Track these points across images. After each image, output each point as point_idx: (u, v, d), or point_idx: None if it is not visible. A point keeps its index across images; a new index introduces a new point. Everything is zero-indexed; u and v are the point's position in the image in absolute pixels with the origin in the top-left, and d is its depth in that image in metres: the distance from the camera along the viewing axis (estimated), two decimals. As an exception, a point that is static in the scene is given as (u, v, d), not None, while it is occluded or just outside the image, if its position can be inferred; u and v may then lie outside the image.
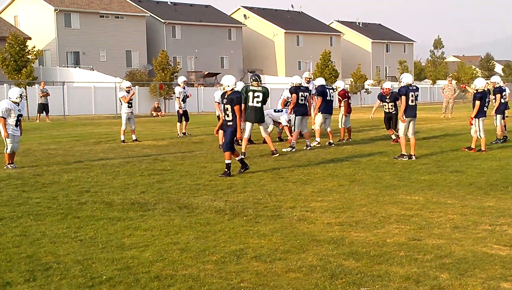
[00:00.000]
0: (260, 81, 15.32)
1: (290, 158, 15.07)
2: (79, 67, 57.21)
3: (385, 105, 18.50)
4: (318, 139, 17.81)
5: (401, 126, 14.77)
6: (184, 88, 22.18)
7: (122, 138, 19.95)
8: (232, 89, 12.43)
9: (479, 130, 15.95)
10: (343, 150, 16.78)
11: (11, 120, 13.65)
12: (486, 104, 16.20)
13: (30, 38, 48.17)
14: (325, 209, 9.08)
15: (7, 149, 13.68)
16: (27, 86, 37.39)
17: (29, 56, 37.90)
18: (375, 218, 8.46)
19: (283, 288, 5.60)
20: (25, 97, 14.11)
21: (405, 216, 8.57)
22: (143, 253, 6.79)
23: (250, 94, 15.08)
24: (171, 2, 72.83)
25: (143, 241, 7.31)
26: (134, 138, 20.15)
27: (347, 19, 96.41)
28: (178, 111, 22.11)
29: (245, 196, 10.25)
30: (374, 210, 9.01)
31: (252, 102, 15.06)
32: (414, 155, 14.71)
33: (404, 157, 14.57)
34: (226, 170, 12.45)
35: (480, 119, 15.95)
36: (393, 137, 18.58)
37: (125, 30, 62.21)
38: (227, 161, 12.45)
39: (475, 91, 16.17)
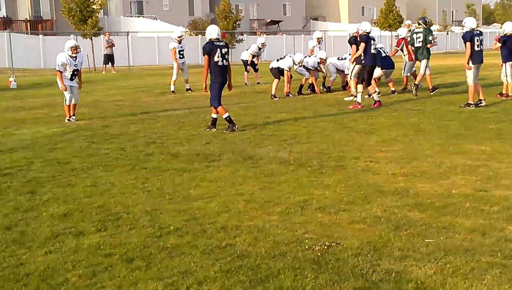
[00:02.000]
0: (426, 24, 17.61)
1: (353, 108, 14.94)
2: (143, 16, 57.58)
3: None
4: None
5: (469, 73, 14.41)
6: (260, 49, 22.30)
7: (172, 89, 20.19)
8: (210, 39, 11.98)
9: (507, 75, 15.78)
10: (407, 99, 16.54)
11: (67, 74, 13.74)
12: None
13: (94, -12, 48.58)
14: (389, 160, 9.03)
15: (65, 101, 13.91)
16: (93, 37, 37.93)
17: (94, 6, 38.31)
18: (441, 169, 8.38)
19: (347, 239, 5.64)
20: (80, 50, 13.95)
21: (472, 166, 8.45)
22: (209, 204, 6.93)
23: (414, 36, 17.51)
24: (233, -51, 72.15)
25: (209, 192, 7.44)
26: (187, 87, 20.45)
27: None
28: (244, 60, 22.46)
29: (309, 146, 10.27)
30: (439, 160, 8.91)
31: (416, 42, 17.44)
32: (484, 99, 14.45)
33: (471, 106, 14.28)
34: (229, 124, 12.01)
35: (507, 63, 15.73)
36: (353, 97, 15.85)
37: (188, -21, 62.04)
38: (224, 116, 12.01)
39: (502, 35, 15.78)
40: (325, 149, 9.95)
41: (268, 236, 5.77)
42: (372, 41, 15.10)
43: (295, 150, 9.96)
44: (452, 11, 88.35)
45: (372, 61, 15.10)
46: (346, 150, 9.82)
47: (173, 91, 20.10)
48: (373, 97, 15.41)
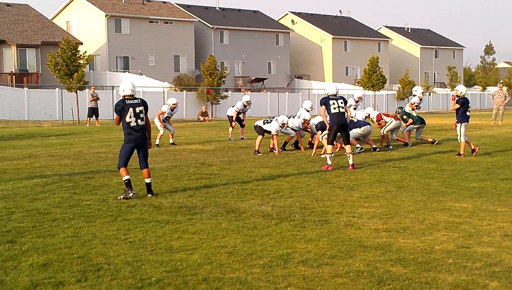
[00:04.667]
0: None
1: (336, 164, 15.01)
2: (128, 72, 58.02)
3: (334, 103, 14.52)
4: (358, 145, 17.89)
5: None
6: (245, 106, 22.64)
7: (157, 142, 20.14)
8: (124, 96, 10.82)
9: (460, 134, 16.58)
10: (390, 157, 16.68)
11: None
12: (469, 110, 16.72)
13: (81, 43, 49.00)
14: (372, 215, 9.06)
15: None
16: (78, 91, 38.07)
17: (81, 61, 38.53)
18: (423, 225, 8.40)
19: (330, 293, 5.60)
20: None
21: (454, 223, 8.49)
22: (191, 256, 6.88)
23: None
24: (219, 8, 73.32)
25: (191, 244, 7.40)
26: (171, 141, 20.65)
27: (396, 24, 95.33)
28: (230, 116, 22.67)
29: (292, 201, 10.28)
30: (421, 216, 8.94)
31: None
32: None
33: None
34: (126, 188, 10.66)
35: (462, 124, 16.56)
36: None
37: (174, 35, 62.86)
38: (124, 178, 10.67)
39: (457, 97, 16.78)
40: (308, 204, 9.95)
41: (250, 289, 5.73)
42: (335, 101, 14.33)
43: (278, 204, 9.96)
44: (434, 73, 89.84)
45: (334, 121, 14.38)
46: (329, 205, 9.84)
47: (157, 145, 20.10)
48: (327, 157, 14.65)
